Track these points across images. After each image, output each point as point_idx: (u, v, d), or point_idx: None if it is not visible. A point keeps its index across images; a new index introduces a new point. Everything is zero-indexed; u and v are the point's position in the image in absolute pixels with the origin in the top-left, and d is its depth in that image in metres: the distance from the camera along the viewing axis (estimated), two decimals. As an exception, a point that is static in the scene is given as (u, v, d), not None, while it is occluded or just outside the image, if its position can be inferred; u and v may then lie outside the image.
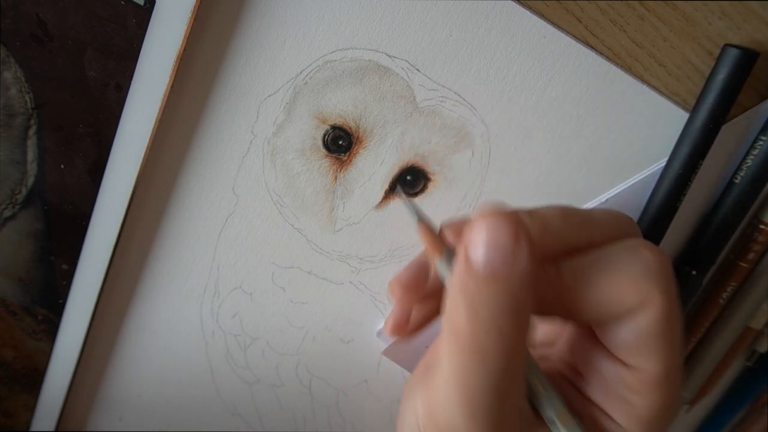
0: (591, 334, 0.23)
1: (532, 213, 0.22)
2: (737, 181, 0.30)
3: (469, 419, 0.20)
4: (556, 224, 0.21)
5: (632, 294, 0.20)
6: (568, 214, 0.22)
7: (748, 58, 0.26)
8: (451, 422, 0.20)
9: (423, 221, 0.21)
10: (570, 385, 0.24)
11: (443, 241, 0.21)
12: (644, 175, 0.30)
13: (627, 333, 0.21)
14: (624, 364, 0.22)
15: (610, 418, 0.22)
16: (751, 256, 0.32)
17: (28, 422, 0.38)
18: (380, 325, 0.35)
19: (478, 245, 0.19)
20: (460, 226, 0.22)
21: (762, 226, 0.31)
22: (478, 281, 0.19)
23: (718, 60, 0.27)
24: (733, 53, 0.26)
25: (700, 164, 0.28)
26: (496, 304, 0.19)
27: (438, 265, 0.21)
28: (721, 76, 0.26)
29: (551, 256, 0.21)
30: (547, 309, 0.21)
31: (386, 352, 0.34)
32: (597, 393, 0.23)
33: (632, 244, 0.22)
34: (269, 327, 0.35)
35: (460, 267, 0.19)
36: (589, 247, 0.22)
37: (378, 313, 0.34)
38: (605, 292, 0.21)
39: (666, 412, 0.22)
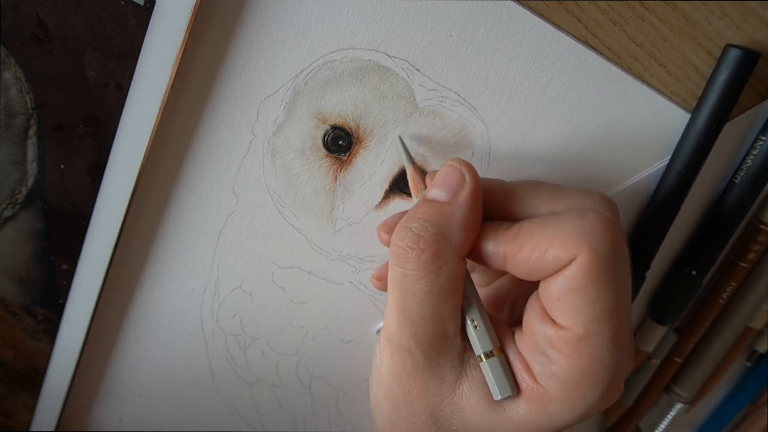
0: (532, 291, 0.25)
1: (500, 181, 0.25)
2: (737, 181, 0.30)
3: (400, 325, 0.24)
4: (523, 194, 0.24)
5: (562, 249, 0.21)
6: (538, 184, 0.25)
7: (749, 58, 0.26)
8: (389, 327, 0.24)
9: (412, 164, 0.28)
10: (509, 333, 0.25)
11: (424, 182, 0.27)
12: (644, 175, 0.30)
13: (554, 287, 0.22)
14: (552, 321, 0.23)
15: (533, 375, 0.23)
16: (751, 256, 0.32)
17: (28, 422, 0.38)
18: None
19: (433, 183, 0.25)
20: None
21: (762, 226, 0.31)
22: (421, 206, 0.24)
23: (720, 60, 0.27)
24: (734, 53, 0.26)
25: (702, 164, 0.28)
26: (426, 225, 0.23)
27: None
28: (723, 76, 0.26)
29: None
30: (491, 260, 0.24)
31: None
32: (524, 344, 0.24)
33: (581, 207, 0.23)
34: (269, 327, 0.35)
35: (416, 203, 0.25)
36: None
37: (378, 313, 0.34)
38: (540, 247, 0.22)
39: (585, 378, 0.22)
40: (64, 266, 0.32)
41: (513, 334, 0.25)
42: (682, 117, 0.28)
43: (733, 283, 0.34)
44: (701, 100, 0.27)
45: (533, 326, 0.23)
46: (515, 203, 0.24)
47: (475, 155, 0.30)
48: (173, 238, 0.32)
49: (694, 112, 0.28)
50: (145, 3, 0.25)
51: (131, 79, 0.27)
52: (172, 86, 0.27)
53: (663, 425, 0.41)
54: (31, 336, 0.35)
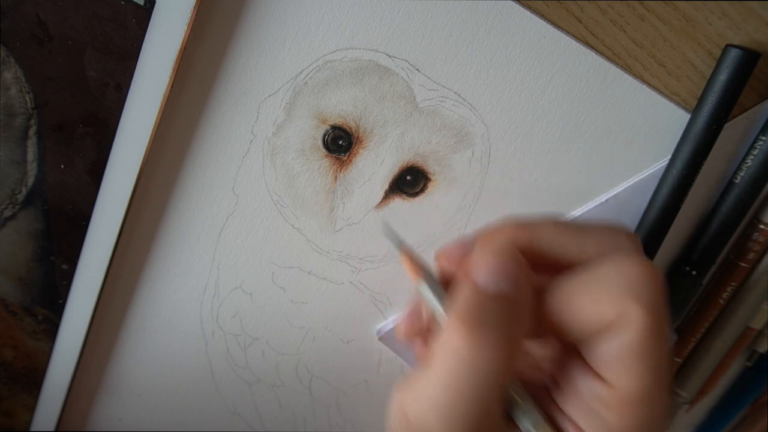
0: (573, 347, 0.23)
1: (524, 226, 0.23)
2: (737, 181, 0.30)
3: (444, 424, 0.21)
4: (547, 237, 0.22)
5: (611, 309, 0.20)
6: (560, 227, 0.23)
7: (749, 58, 0.26)
8: (424, 423, 0.21)
9: (403, 247, 0.24)
10: (548, 396, 0.24)
11: (422, 265, 0.24)
12: (644, 175, 0.30)
13: (606, 349, 0.21)
14: (602, 380, 0.21)
15: None
16: (750, 255, 0.32)
17: (28, 422, 0.38)
18: (380, 325, 0.35)
19: (486, 269, 0.22)
20: (455, 252, 0.24)
21: (762, 226, 0.31)
22: (485, 300, 0.21)
23: (720, 60, 0.27)
24: (734, 53, 0.26)
25: (702, 164, 0.28)
26: (501, 323, 0.20)
27: (418, 286, 0.23)
28: (723, 76, 0.26)
29: (541, 269, 0.22)
30: (533, 328, 0.22)
31: (382, 339, 0.35)
32: (572, 407, 0.22)
33: (619, 258, 0.22)
34: (269, 327, 0.35)
35: (467, 286, 0.21)
36: (581, 262, 0.22)
37: (378, 313, 0.34)
38: (586, 310, 0.21)
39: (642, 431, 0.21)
40: (64, 266, 0.32)
41: (551, 394, 0.23)
42: (682, 117, 0.28)
43: (733, 283, 0.34)
44: (701, 100, 0.27)
45: (579, 386, 0.22)
46: (542, 247, 0.23)
47: (475, 155, 0.30)
48: (173, 238, 0.32)
49: (694, 112, 0.28)
50: (145, 3, 0.25)
51: (131, 79, 0.27)
52: (172, 86, 0.27)
53: (663, 425, 0.41)
54: (31, 336, 0.35)
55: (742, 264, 0.33)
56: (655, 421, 0.21)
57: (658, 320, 0.20)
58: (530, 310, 0.21)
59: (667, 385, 0.21)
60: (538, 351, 0.26)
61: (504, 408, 0.22)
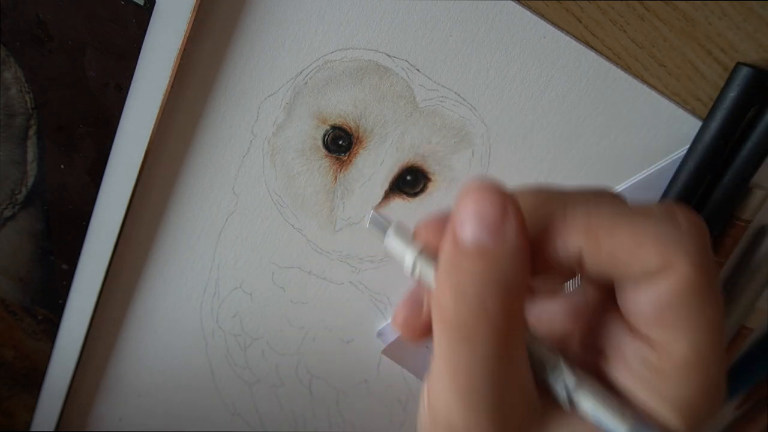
0: (612, 309, 0.21)
1: (539, 188, 0.20)
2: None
3: (465, 411, 0.19)
4: (579, 199, 0.20)
5: (654, 254, 0.18)
6: (599, 192, 0.20)
7: (760, 77, 0.26)
8: (448, 416, 0.19)
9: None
10: (595, 372, 0.21)
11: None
12: (644, 175, 0.30)
13: (647, 300, 0.19)
14: (647, 341, 0.19)
15: (639, 402, 0.20)
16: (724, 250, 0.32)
17: (28, 422, 0.38)
18: (380, 325, 0.35)
19: (465, 221, 0.18)
20: (439, 221, 0.20)
21: (736, 221, 0.31)
22: (465, 258, 0.18)
23: (730, 77, 0.27)
24: (744, 72, 0.26)
25: (708, 178, 0.28)
26: (482, 282, 0.18)
27: (412, 261, 0.20)
28: (733, 93, 0.27)
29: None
30: (558, 258, 0.19)
31: (385, 351, 0.34)
32: (622, 376, 0.20)
33: (667, 204, 0.20)
34: (269, 327, 0.35)
35: (446, 245, 0.18)
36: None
37: (378, 313, 0.34)
38: (624, 247, 0.18)
39: (703, 402, 0.19)
40: (64, 266, 0.32)
41: (595, 363, 0.21)
42: (682, 117, 0.28)
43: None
44: (710, 116, 0.28)
45: (623, 348, 0.20)
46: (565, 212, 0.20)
47: (475, 155, 0.30)
48: (173, 238, 0.32)
49: (702, 128, 0.28)
50: (145, 3, 0.25)
51: (131, 79, 0.27)
52: (172, 86, 0.27)
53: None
54: (31, 336, 0.35)
55: (718, 259, 0.33)
56: (718, 390, 0.19)
57: (706, 274, 0.18)
58: (525, 260, 0.18)
59: (723, 354, 0.19)
60: (574, 300, 0.23)
61: (534, 376, 0.20)
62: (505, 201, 0.18)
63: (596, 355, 0.21)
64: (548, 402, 0.20)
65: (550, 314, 0.24)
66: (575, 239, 0.19)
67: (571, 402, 0.19)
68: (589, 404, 0.19)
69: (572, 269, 0.19)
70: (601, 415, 0.19)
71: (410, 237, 0.20)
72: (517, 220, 0.18)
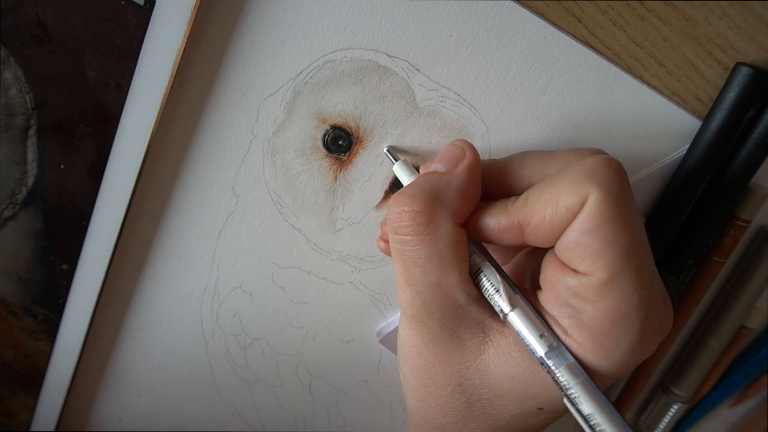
0: (549, 251, 0.24)
1: (493, 160, 0.26)
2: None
3: (410, 302, 0.24)
4: (515, 164, 0.25)
5: (571, 195, 0.21)
6: (527, 154, 0.25)
7: (760, 77, 0.26)
8: (403, 307, 0.25)
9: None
10: (532, 297, 0.24)
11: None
12: (644, 175, 0.30)
13: (569, 234, 0.21)
14: (572, 270, 0.22)
15: (563, 328, 0.22)
16: (723, 250, 0.32)
17: (28, 422, 0.38)
18: (380, 325, 0.35)
19: (436, 161, 0.25)
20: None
21: (735, 221, 0.31)
22: (427, 176, 0.24)
23: (730, 77, 0.27)
24: (744, 72, 0.26)
25: (708, 178, 0.28)
26: (428, 187, 0.24)
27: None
28: (732, 93, 0.27)
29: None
30: (507, 235, 0.23)
31: (383, 341, 0.35)
32: (549, 302, 0.23)
33: (579, 154, 0.23)
34: (269, 327, 0.35)
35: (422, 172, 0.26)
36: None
37: (378, 313, 0.34)
38: (551, 204, 0.21)
39: (616, 323, 0.21)
40: (64, 266, 0.32)
41: (535, 295, 0.24)
42: (682, 117, 0.28)
43: (711, 278, 0.34)
44: (709, 117, 0.28)
45: (553, 280, 0.23)
46: (509, 177, 0.24)
47: (475, 155, 0.30)
48: (173, 238, 0.32)
49: (702, 129, 0.28)
50: (145, 3, 0.25)
51: (131, 79, 0.27)
52: (172, 86, 0.27)
53: (662, 425, 0.41)
54: (31, 336, 0.35)
55: (717, 259, 0.33)
56: (634, 310, 0.21)
57: (616, 199, 0.21)
58: (470, 194, 0.24)
59: (645, 276, 0.21)
60: (526, 262, 0.28)
61: (477, 297, 0.24)
62: (465, 149, 0.25)
63: (537, 289, 0.24)
64: (493, 314, 0.24)
65: (504, 255, 0.29)
66: (515, 218, 0.23)
67: (504, 318, 0.23)
68: (518, 323, 0.23)
69: (519, 241, 0.23)
70: (526, 336, 0.22)
71: (412, 169, 0.28)
72: (470, 164, 0.24)
